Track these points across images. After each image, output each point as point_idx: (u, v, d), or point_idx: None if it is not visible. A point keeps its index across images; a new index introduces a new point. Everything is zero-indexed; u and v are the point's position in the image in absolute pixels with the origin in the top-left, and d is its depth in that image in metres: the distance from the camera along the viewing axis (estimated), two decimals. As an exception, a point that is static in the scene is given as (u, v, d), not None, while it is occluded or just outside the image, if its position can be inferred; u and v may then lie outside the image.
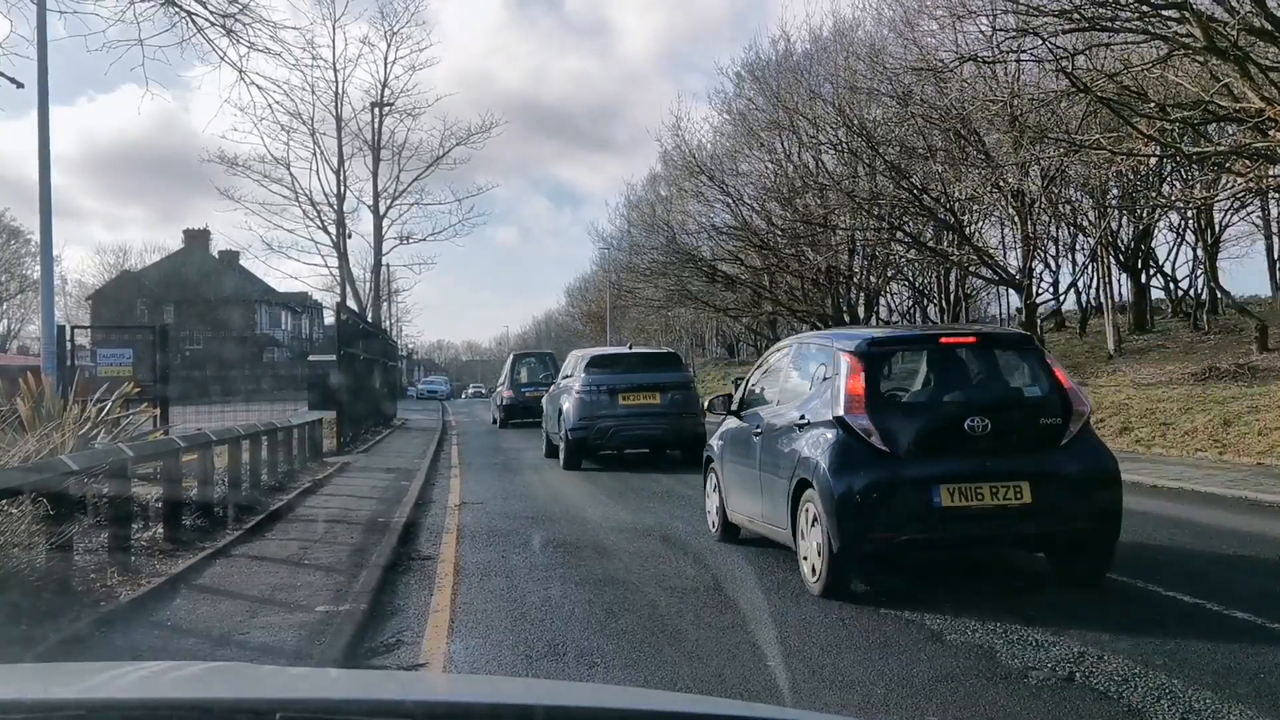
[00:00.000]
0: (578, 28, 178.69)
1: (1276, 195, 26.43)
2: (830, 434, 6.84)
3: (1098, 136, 16.80)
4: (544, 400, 20.44)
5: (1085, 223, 29.62)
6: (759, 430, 8.06)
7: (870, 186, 27.81)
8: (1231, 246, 35.09)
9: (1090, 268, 34.71)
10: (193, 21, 11.23)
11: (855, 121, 26.46)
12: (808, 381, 7.70)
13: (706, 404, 11.17)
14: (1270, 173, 16.34)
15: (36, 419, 10.01)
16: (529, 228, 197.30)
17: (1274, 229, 33.28)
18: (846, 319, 32.85)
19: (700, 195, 35.26)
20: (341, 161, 38.07)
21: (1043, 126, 20.30)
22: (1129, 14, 14.01)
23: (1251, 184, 17.07)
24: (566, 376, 18.08)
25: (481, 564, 8.25)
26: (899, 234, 27.97)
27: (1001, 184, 23.34)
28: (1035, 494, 6.60)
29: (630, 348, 20.93)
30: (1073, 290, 34.29)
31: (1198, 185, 21.84)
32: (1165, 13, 13.56)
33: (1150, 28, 14.20)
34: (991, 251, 28.63)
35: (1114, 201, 27.22)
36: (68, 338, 15.48)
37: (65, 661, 4.70)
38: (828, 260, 31.65)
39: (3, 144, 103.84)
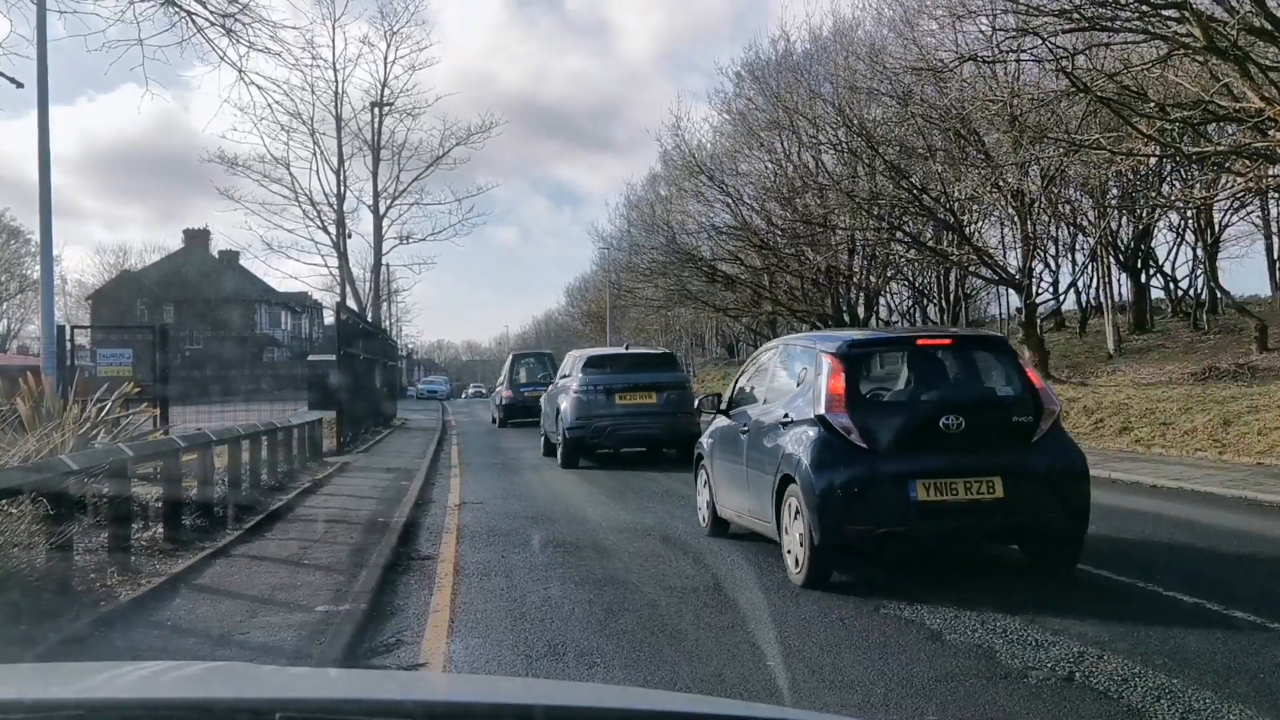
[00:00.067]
0: (578, 27, 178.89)
1: (1276, 195, 26.44)
2: (812, 431, 7.13)
3: (1097, 136, 16.81)
4: (542, 400, 20.61)
5: (1085, 222, 29.63)
6: (746, 428, 8.35)
7: (870, 186, 27.82)
8: (1231, 246, 35.14)
9: (1090, 267, 34.75)
10: (192, 21, 11.24)
11: (855, 121, 26.46)
12: (792, 381, 7.98)
13: (696, 403, 11.40)
14: (1270, 172, 16.34)
15: (36, 419, 10.01)
16: (529, 228, 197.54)
17: (1274, 229, 33.30)
18: (846, 319, 32.86)
19: (700, 195, 35.27)
20: (341, 161, 38.11)
21: (1042, 126, 20.31)
22: (1129, 14, 14.02)
23: (1251, 184, 17.07)
24: (564, 376, 18.27)
25: (481, 564, 8.25)
26: (899, 234, 27.98)
27: (1001, 184, 23.35)
28: (1007, 489, 6.86)
29: (627, 348, 21.20)
30: (1072, 290, 34.34)
31: (1197, 185, 21.84)
32: (1165, 12, 13.57)
33: (1150, 27, 14.21)
34: (991, 251, 28.65)
35: (1114, 201, 27.24)
36: (67, 338, 15.48)
37: (65, 661, 4.70)
38: (827, 260, 31.66)
39: (3, 144, 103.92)
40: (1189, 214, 29.07)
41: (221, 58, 11.97)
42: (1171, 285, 35.96)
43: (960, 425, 6.94)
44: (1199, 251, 32.60)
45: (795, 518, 7.15)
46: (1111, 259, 32.14)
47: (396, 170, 39.16)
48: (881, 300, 39.87)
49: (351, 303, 36.46)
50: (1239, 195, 24.23)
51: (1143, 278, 33.54)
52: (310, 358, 44.68)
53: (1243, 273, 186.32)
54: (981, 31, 19.93)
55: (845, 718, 4.00)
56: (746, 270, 35.30)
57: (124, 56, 18.32)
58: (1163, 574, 7.18)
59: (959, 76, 21.92)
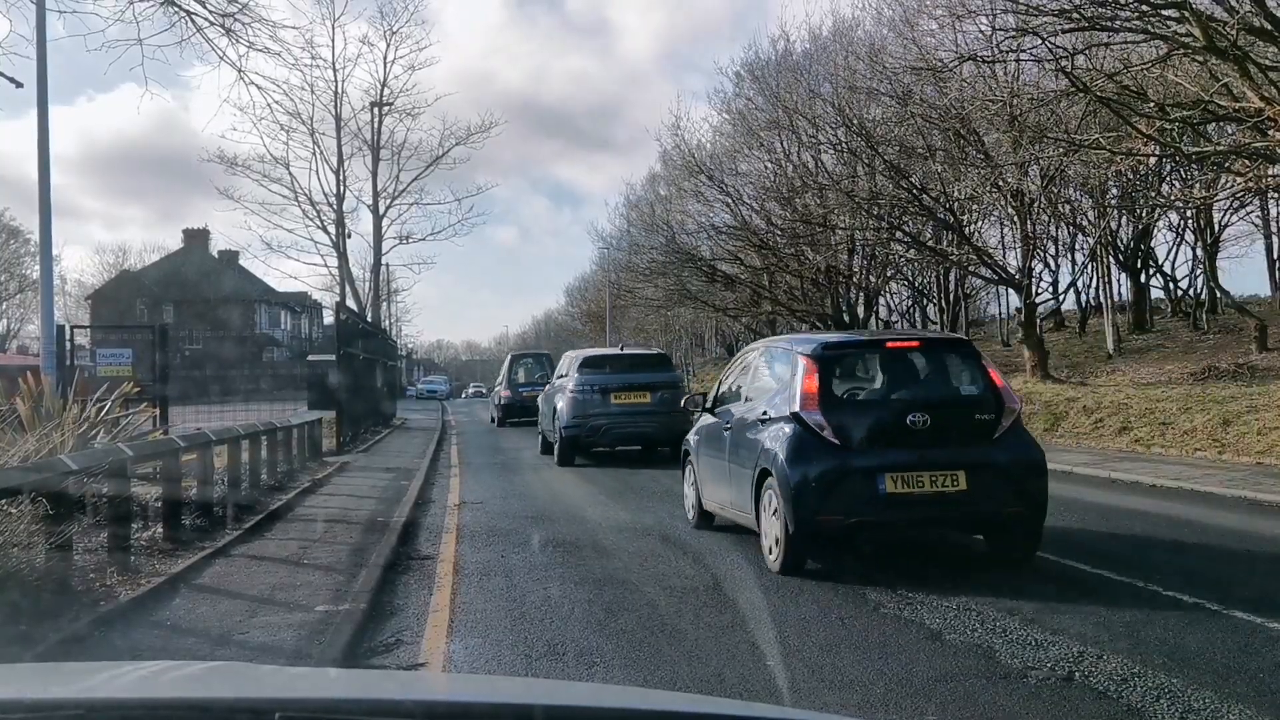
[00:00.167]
0: (578, 27, 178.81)
1: (1276, 195, 26.45)
2: (788, 428, 7.58)
3: (1097, 136, 16.80)
4: (539, 399, 20.86)
5: (1085, 222, 29.62)
6: (729, 425, 8.84)
7: (870, 186, 27.81)
8: (1231, 246, 35.14)
9: (1090, 267, 34.74)
10: (192, 21, 11.23)
11: (855, 121, 26.46)
12: (772, 381, 8.45)
13: (683, 401, 11.93)
14: (1269, 172, 16.34)
15: (36, 419, 10.00)
16: (529, 227, 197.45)
17: (1273, 229, 33.32)
18: (846, 319, 32.87)
19: (700, 195, 35.25)
20: (341, 161, 38.13)
21: (1042, 126, 20.31)
22: (1129, 13, 14.01)
23: (1251, 184, 17.07)
24: (561, 376, 18.60)
25: (481, 563, 8.25)
26: (898, 234, 27.97)
27: (1001, 183, 23.35)
28: (971, 482, 7.32)
29: (621, 349, 21.58)
30: (1072, 290, 34.32)
31: (1197, 185, 21.83)
32: (1165, 12, 13.57)
33: (1150, 27, 14.21)
34: (991, 251, 28.64)
35: (1113, 201, 27.23)
36: (67, 337, 15.49)
37: (65, 661, 4.70)
38: (827, 260, 31.65)
39: (2, 144, 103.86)
40: (1189, 214, 29.08)
41: (221, 57, 11.97)
42: (1171, 285, 35.98)
43: (926, 422, 7.40)
44: (1199, 251, 32.62)
45: (772, 509, 7.60)
46: (1111, 259, 32.14)
47: (396, 170, 39.22)
48: (881, 300, 39.87)
49: (351, 303, 36.49)
50: (1239, 195, 24.23)
51: (1142, 277, 33.55)
52: (310, 358, 44.70)
53: (1242, 272, 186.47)
54: (981, 31, 19.93)
55: (845, 718, 4.00)
56: (746, 270, 35.29)
57: (123, 56, 18.32)
58: (1162, 573, 7.19)
59: (959, 76, 21.91)
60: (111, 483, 7.76)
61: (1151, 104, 15.32)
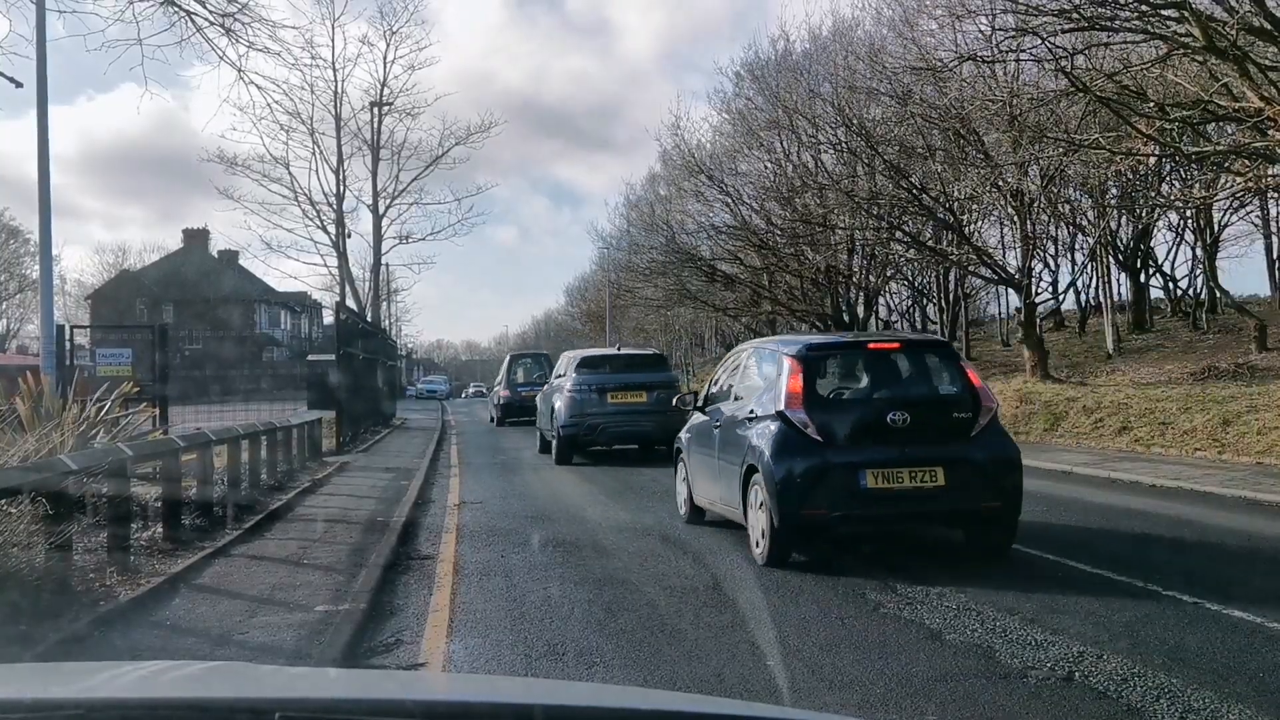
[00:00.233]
0: (578, 27, 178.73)
1: (1275, 195, 26.44)
2: (773, 426, 7.89)
3: (1097, 136, 16.80)
4: (538, 399, 21.07)
5: (1084, 222, 29.62)
6: (718, 424, 9.15)
7: (869, 186, 27.81)
8: (1230, 246, 35.13)
9: (1089, 267, 34.73)
10: (192, 21, 11.24)
11: (854, 121, 26.46)
12: (759, 380, 8.73)
13: (675, 400, 12.25)
14: (1269, 172, 16.34)
15: (35, 418, 10.01)
16: (528, 227, 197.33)
17: (1273, 228, 33.33)
18: (846, 318, 32.88)
19: (699, 195, 35.25)
20: (341, 161, 38.15)
21: (1042, 126, 20.30)
22: (1128, 13, 14.01)
23: (1251, 184, 17.07)
24: (559, 376, 18.84)
25: (481, 563, 8.25)
26: (898, 233, 27.97)
27: (1001, 183, 23.35)
28: (948, 477, 7.62)
29: (619, 349, 21.84)
30: (1072, 290, 34.31)
31: (1197, 185, 21.83)
32: (1164, 12, 13.57)
33: (1149, 27, 14.21)
34: (991, 251, 28.63)
35: (1113, 201, 27.22)
36: (67, 337, 15.49)
37: (64, 661, 4.70)
38: (827, 260, 31.65)
39: (2, 143, 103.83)
40: (1188, 214, 29.08)
41: (221, 57, 11.98)
42: (1171, 285, 35.98)
43: (906, 420, 7.71)
44: (1198, 251, 32.62)
45: (758, 503, 7.91)
46: (1111, 259, 32.15)
47: (396, 170, 39.25)
48: (881, 300, 39.87)
49: (351, 302, 36.49)
50: (1238, 195, 24.23)
51: (1142, 277, 33.55)
52: (309, 357, 44.70)
53: (1242, 272, 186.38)
54: (981, 31, 19.93)
55: (845, 717, 3.99)
56: (746, 270, 35.30)
57: (123, 56, 18.33)
58: (1162, 573, 7.19)
59: (958, 76, 21.91)
60: (111, 483, 7.76)
61: (1151, 104, 15.32)
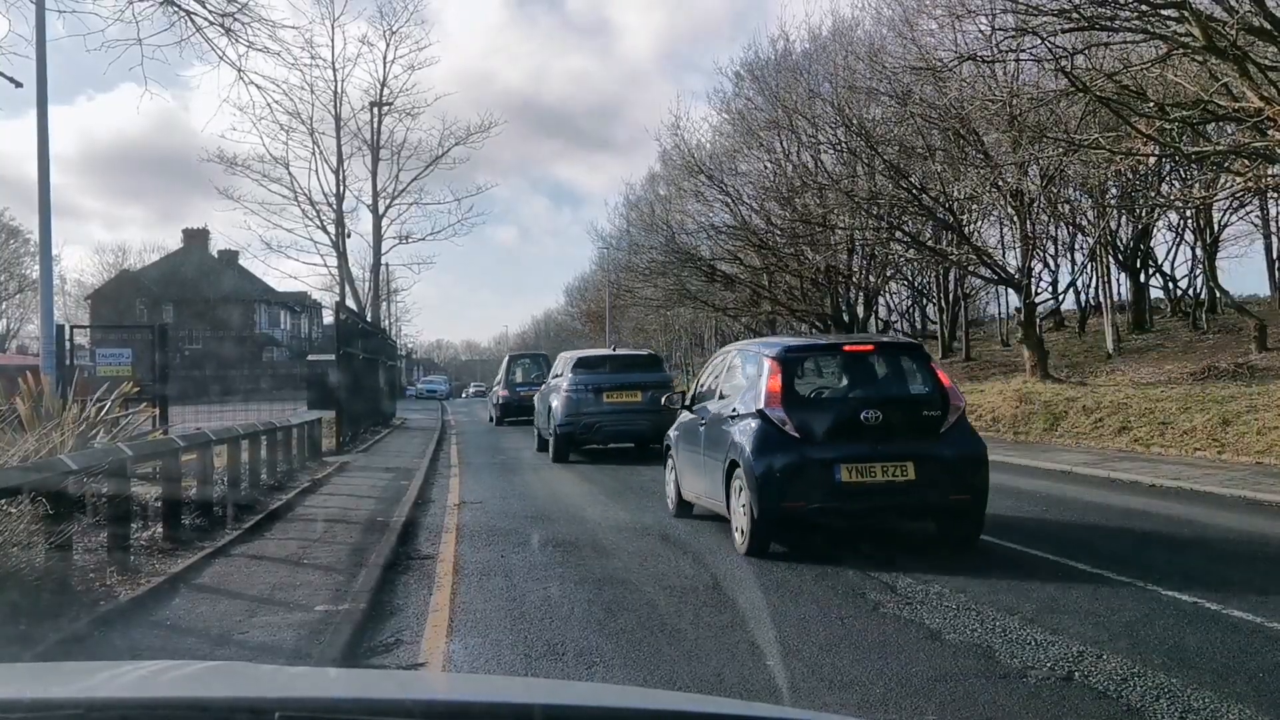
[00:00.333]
0: (578, 27, 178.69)
1: (1275, 195, 26.45)
2: (754, 423, 8.30)
3: (1097, 136, 16.80)
4: (536, 398, 21.46)
5: (1084, 222, 29.63)
6: (704, 421, 9.60)
7: (869, 186, 27.81)
8: (1230, 246, 35.18)
9: (1089, 267, 34.76)
10: (191, 21, 11.23)
11: (854, 121, 26.46)
12: (742, 380, 9.14)
13: (664, 399, 12.78)
14: (1269, 172, 16.34)
15: (35, 418, 10.01)
16: (528, 227, 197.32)
17: (1273, 228, 33.36)
18: (846, 318, 32.89)
19: (699, 195, 35.26)
20: (340, 161, 38.12)
21: (1042, 126, 20.31)
22: (1128, 13, 14.01)
23: (1250, 183, 17.07)
24: (556, 376, 19.26)
25: (481, 563, 8.25)
26: (898, 233, 27.97)
27: (1000, 183, 23.35)
28: (918, 472, 8.04)
29: (614, 350, 22.35)
30: (1072, 290, 34.33)
31: (1197, 185, 21.84)
32: (1164, 12, 13.57)
33: (1149, 27, 14.21)
34: (990, 251, 28.66)
35: (1113, 201, 27.24)
36: (67, 337, 15.48)
37: (64, 661, 4.69)
38: (826, 260, 31.65)
39: (2, 143, 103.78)
40: (1188, 214, 29.09)
41: (220, 57, 11.96)
42: (1171, 285, 36.01)
43: (878, 418, 8.13)
44: (1198, 251, 32.63)
45: (740, 496, 8.32)
46: (1111, 259, 32.16)
47: (396, 170, 39.22)
48: (881, 300, 39.88)
49: (351, 302, 36.47)
50: (1238, 195, 24.24)
51: (1142, 277, 33.56)
52: (309, 357, 44.71)
53: (1242, 272, 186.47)
54: (981, 31, 19.94)
55: (845, 717, 3.99)
56: (746, 270, 35.30)
57: (123, 56, 18.32)
58: (1162, 573, 7.19)
59: (958, 76, 21.91)
60: (111, 482, 7.76)
61: (1151, 104, 15.32)
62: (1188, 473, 12.96)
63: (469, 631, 6.19)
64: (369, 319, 35.64)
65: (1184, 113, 15.07)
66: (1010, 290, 28.07)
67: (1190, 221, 31.28)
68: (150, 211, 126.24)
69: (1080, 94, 15.75)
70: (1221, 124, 16.97)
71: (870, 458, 8.00)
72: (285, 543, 9.10)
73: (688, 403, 10.59)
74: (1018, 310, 27.00)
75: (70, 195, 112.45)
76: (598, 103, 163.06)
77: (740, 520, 8.34)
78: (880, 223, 27.40)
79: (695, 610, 6.55)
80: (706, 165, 34.03)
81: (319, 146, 37.55)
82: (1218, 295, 31.49)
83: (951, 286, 37.40)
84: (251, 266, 65.43)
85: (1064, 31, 15.40)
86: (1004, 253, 30.90)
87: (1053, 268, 33.53)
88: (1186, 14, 12.90)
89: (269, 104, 31.10)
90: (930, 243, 28.86)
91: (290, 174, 37.56)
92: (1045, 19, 14.39)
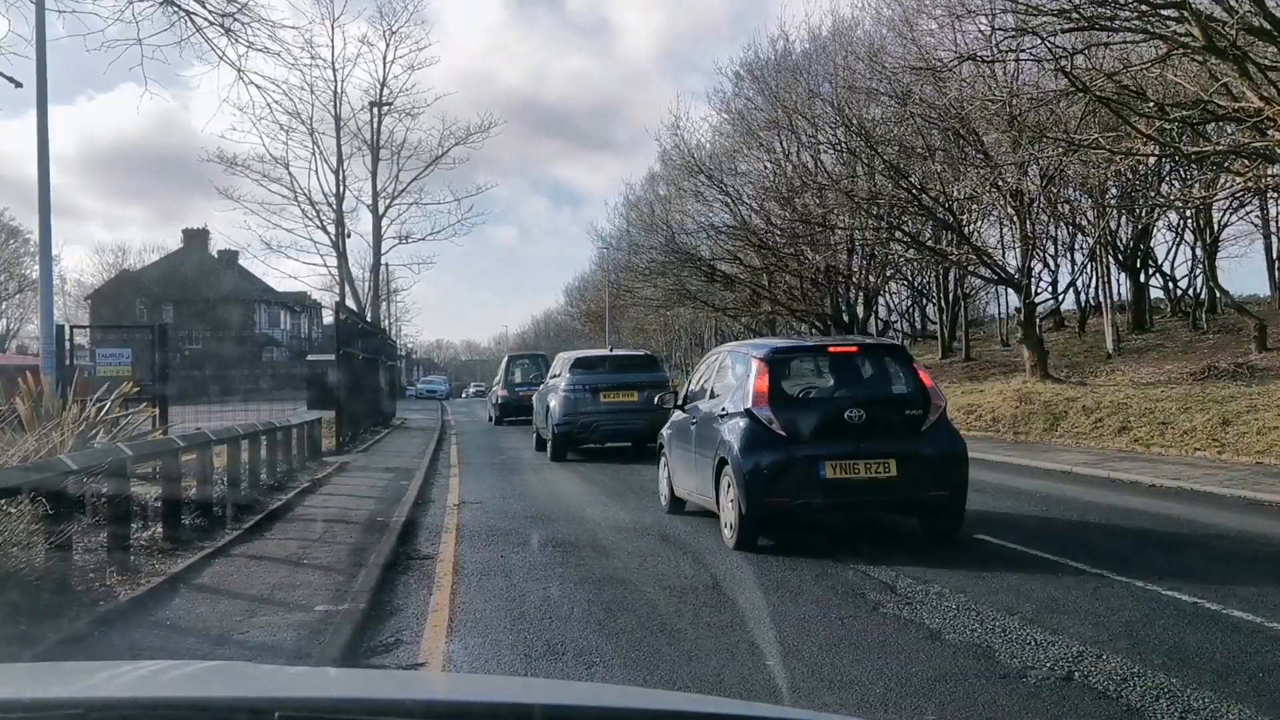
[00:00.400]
0: (578, 27, 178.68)
1: (1275, 195, 26.45)
2: (742, 422, 8.58)
3: (1096, 136, 16.80)
4: (534, 398, 21.74)
5: (1084, 222, 29.64)
6: (695, 420, 9.89)
7: (869, 186, 27.82)
8: (1230, 246, 35.19)
9: (1089, 267, 34.76)
10: (191, 21, 11.22)
11: (854, 121, 26.47)
12: (731, 380, 9.40)
13: (657, 399, 12.96)
14: (1269, 172, 16.34)
15: (35, 418, 10.00)
16: (528, 227, 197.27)
17: (1273, 228, 33.37)
18: (845, 318, 32.90)
19: (699, 195, 35.26)
20: (340, 161, 38.09)
21: (1041, 126, 20.31)
22: (1128, 13, 14.01)
23: (1250, 183, 17.07)
24: (554, 376, 19.51)
25: (480, 563, 8.25)
26: (898, 233, 27.98)
27: (1000, 183, 23.36)
28: (900, 469, 8.32)
29: (611, 350, 22.61)
30: (1071, 290, 34.34)
31: (1196, 185, 21.84)
32: (1164, 12, 13.56)
33: (1149, 27, 14.20)
34: (990, 251, 28.66)
35: (1113, 201, 27.24)
36: (66, 337, 15.47)
37: (64, 661, 4.69)
38: (826, 260, 31.66)
39: (2, 143, 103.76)
40: (1188, 214, 29.09)
41: (220, 57, 11.96)
42: (1170, 285, 36.00)
43: (862, 417, 8.38)
44: (1198, 251, 32.63)
45: (729, 493, 8.59)
46: (1110, 258, 32.16)
47: (395, 170, 39.18)
48: (881, 300, 39.88)
49: (351, 302, 36.46)
50: (1238, 195, 24.24)
51: (1142, 277, 33.56)
52: (309, 357, 44.69)
53: (1242, 272, 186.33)
54: (980, 31, 19.93)
55: (845, 717, 4.00)
56: (745, 270, 35.31)
57: (123, 56, 18.33)
58: (1161, 573, 7.19)
59: (958, 76, 21.91)
60: (111, 482, 7.76)
61: (1151, 104, 15.32)
62: (1188, 473, 12.96)
63: (469, 631, 6.19)
64: (369, 319, 35.64)
65: (1184, 113, 15.06)
66: (1010, 290, 28.08)
67: (1190, 221, 31.29)
68: (150, 211, 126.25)
69: (1080, 94, 15.75)
70: (1221, 124, 16.96)
71: (854, 455, 8.27)
72: (285, 543, 9.10)
73: (680, 402, 10.85)
74: (1017, 310, 27.00)
75: (70, 195, 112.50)
76: (598, 103, 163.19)
77: (729, 516, 8.59)
78: (880, 223, 27.41)
79: (695, 610, 6.55)
80: (706, 165, 34.04)
81: (319, 146, 37.57)
82: (1218, 295, 31.49)
83: (951, 286, 37.39)
84: (251, 266, 65.47)
85: (1064, 31, 15.40)
86: (1004, 253, 30.93)
87: (1053, 268, 33.59)
88: (1186, 14, 12.90)
89: (269, 104, 31.12)
90: (930, 243, 28.86)
91: (290, 174, 37.56)
92: (1045, 19, 14.38)
